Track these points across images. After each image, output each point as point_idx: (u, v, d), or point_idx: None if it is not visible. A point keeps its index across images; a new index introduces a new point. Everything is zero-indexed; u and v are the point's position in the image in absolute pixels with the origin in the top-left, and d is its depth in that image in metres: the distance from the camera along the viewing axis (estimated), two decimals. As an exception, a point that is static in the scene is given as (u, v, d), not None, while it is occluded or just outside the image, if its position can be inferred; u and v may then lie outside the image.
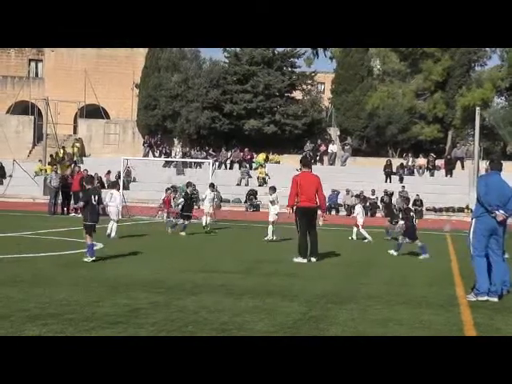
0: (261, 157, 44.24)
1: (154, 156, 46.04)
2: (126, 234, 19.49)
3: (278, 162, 45.73)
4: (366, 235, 19.83)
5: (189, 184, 22.40)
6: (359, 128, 47.92)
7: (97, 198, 12.90)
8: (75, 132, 52.49)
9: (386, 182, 40.92)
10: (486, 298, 9.37)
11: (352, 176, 40.81)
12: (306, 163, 14.79)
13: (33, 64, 58.05)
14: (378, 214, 36.60)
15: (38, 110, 51.04)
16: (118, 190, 20.60)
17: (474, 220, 9.65)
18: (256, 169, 42.36)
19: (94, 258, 12.66)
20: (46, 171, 39.72)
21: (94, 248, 13.02)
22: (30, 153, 49.65)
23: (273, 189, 19.94)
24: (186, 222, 20.50)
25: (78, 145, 47.72)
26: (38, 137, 49.76)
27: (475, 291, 9.51)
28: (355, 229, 20.22)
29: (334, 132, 50.30)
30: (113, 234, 17.70)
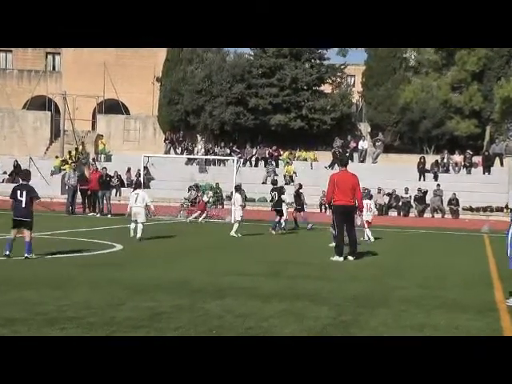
0: (286, 154, 44.26)
1: (176, 153, 46.21)
2: (148, 235, 19.58)
3: (306, 160, 45.69)
4: (369, 235, 19.80)
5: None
6: (391, 123, 47.63)
7: (25, 194, 13.08)
8: (94, 128, 52.84)
9: (419, 180, 40.68)
10: None
11: (384, 174, 40.62)
12: (343, 162, 15.46)
13: (50, 57, 58.54)
14: (412, 214, 36.45)
15: (56, 105, 51.49)
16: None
17: None
18: (285, 165, 42.33)
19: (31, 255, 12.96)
20: (61, 169, 40.21)
21: (112, 250, 13.09)
22: (47, 149, 50.11)
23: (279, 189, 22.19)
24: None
25: (104, 141, 48.14)
26: (56, 133, 50.21)
27: None
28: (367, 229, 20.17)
29: (364, 127, 50.08)
30: (138, 235, 17.73)
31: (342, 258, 14.41)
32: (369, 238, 19.82)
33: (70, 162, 43.38)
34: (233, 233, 20.32)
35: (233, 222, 20.97)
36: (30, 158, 41.31)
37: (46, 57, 58.10)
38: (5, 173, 43.26)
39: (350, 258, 14.58)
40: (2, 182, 41.65)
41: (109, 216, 27.03)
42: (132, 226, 18.25)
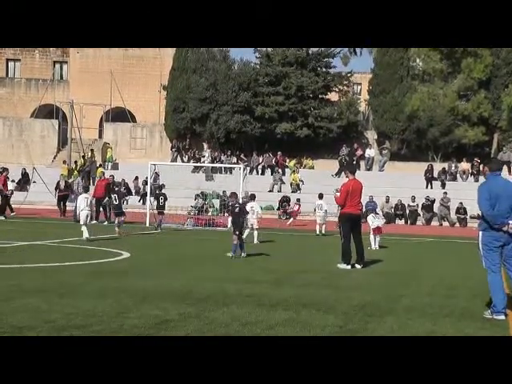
0: (292, 162, 44.30)
1: (183, 161, 46.27)
2: (154, 243, 19.62)
3: (312, 168, 45.70)
4: (372, 242, 19.94)
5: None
6: (398, 131, 47.62)
7: None
8: (101, 136, 53.04)
9: (426, 188, 40.62)
10: (502, 317, 8.88)
11: (391, 182, 40.58)
12: (353, 170, 15.68)
13: (57, 66, 58.85)
14: (419, 222, 36.38)
15: (63, 113, 51.69)
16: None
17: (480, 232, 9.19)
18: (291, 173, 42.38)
19: None
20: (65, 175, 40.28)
21: (119, 258, 13.13)
22: (54, 158, 50.29)
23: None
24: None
25: (111, 149, 48.45)
26: (63, 141, 50.39)
27: (492, 308, 9.08)
28: (377, 237, 20.29)
29: (371, 135, 50.07)
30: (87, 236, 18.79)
31: (349, 266, 14.50)
32: (373, 245, 19.82)
33: (77, 169, 43.54)
34: (256, 240, 20.57)
35: (250, 229, 21.06)
36: (34, 167, 41.39)
37: (54, 65, 58.39)
38: (13, 181, 43.37)
39: (358, 266, 14.68)
40: (12, 191, 41.69)
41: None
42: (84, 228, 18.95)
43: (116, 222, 22.25)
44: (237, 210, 16.07)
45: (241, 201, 22.96)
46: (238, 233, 15.76)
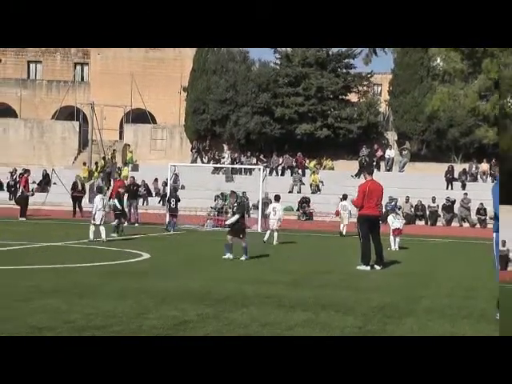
0: (312, 163, 44.25)
1: (203, 162, 46.39)
2: (173, 244, 19.69)
3: (332, 168, 45.63)
4: (392, 243, 19.89)
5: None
6: (418, 132, 47.39)
7: None
8: (121, 138, 53.29)
9: (447, 188, 40.41)
10: None
11: (411, 183, 40.41)
12: (370, 171, 15.80)
13: (78, 68, 59.26)
14: (439, 223, 36.20)
15: (84, 115, 52.02)
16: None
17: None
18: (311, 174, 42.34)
19: None
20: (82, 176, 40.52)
21: (139, 258, 13.21)
22: (75, 159, 50.64)
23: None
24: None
25: (131, 150, 48.74)
26: (84, 143, 50.71)
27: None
28: (397, 238, 20.22)
29: (391, 136, 49.88)
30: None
31: (368, 268, 14.50)
32: (393, 246, 19.78)
33: (97, 171, 43.80)
34: (275, 241, 20.60)
35: (271, 230, 21.13)
36: (53, 169, 41.65)
37: (75, 67, 58.80)
38: (34, 182, 43.73)
39: (377, 267, 14.68)
40: (32, 191, 42.02)
41: (136, 225, 27.23)
42: (102, 228, 19.14)
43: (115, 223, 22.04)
44: (234, 209, 15.93)
45: (259, 201, 22.96)
46: (241, 236, 15.51)
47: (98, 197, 20.09)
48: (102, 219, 19.36)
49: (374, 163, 44.63)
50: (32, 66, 59.53)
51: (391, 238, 20.00)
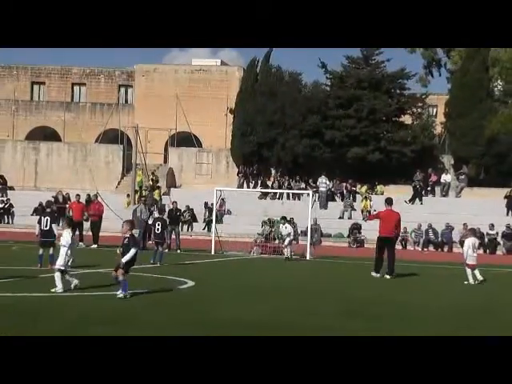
0: (363, 188, 44.03)
1: (249, 187, 46.50)
2: (220, 271, 19.74)
3: (382, 194, 45.33)
4: (470, 277, 18.16)
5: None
6: (477, 155, 46.76)
7: None
8: (165, 161, 53.79)
9: (507, 215, 39.77)
10: None
11: (468, 209, 39.90)
12: (389, 202, 19.71)
13: (122, 90, 60.22)
14: (499, 252, 35.61)
15: (128, 138, 52.70)
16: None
17: None
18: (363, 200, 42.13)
19: None
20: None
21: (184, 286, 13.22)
22: (118, 184, 51.23)
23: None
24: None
25: (140, 174, 47.46)
26: (128, 167, 51.24)
27: None
28: (468, 270, 18.31)
29: (447, 160, 49.37)
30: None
31: (379, 275, 18.35)
32: (471, 280, 18.19)
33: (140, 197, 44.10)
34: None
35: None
36: (97, 192, 42.19)
37: (119, 89, 59.75)
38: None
39: (387, 276, 18.32)
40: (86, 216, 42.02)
41: (178, 251, 27.23)
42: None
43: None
44: (125, 241, 14.24)
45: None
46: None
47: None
48: None
49: (429, 188, 44.24)
50: (76, 88, 60.70)
51: (467, 270, 18.33)
